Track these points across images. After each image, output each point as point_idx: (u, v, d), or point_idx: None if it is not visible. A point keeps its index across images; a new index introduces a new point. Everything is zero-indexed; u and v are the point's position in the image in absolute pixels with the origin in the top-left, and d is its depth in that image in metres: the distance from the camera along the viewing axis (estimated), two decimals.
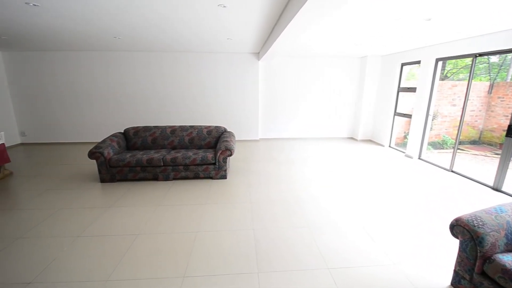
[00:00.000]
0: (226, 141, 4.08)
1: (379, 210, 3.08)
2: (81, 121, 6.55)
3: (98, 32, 4.12)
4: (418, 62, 5.27)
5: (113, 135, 4.33)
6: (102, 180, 3.90)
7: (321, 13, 2.32)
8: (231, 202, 3.29)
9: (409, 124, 5.55)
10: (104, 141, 4.07)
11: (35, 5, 2.77)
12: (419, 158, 5.28)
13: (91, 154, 3.78)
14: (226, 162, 4.00)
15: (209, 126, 4.68)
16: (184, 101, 6.61)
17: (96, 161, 3.83)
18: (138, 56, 6.25)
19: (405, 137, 6.56)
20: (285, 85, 6.85)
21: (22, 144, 6.55)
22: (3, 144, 4.09)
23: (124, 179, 3.95)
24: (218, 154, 3.93)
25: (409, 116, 5.63)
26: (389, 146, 6.34)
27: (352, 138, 7.25)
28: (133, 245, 2.40)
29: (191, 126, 4.66)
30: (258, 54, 6.33)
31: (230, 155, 3.94)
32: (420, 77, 5.15)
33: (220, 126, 4.71)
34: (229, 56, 6.39)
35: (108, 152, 3.88)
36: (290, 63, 6.69)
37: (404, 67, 5.90)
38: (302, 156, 5.39)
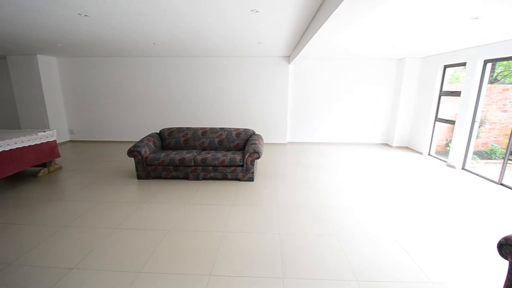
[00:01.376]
0: (254, 143, 4.12)
1: (415, 223, 2.87)
2: (122, 121, 7.08)
3: (140, 39, 4.43)
4: (464, 64, 4.84)
5: (150, 135, 4.61)
6: (139, 177, 4.17)
7: (356, 15, 2.25)
8: (258, 204, 3.30)
9: (452, 131, 5.11)
10: (141, 140, 4.35)
11: (86, 15, 3.06)
12: (462, 169, 4.83)
13: (130, 152, 4.06)
14: (253, 164, 4.04)
15: (238, 129, 4.76)
16: (214, 104, 6.81)
17: (134, 159, 4.10)
18: (173, 61, 6.60)
19: (447, 145, 6.05)
20: (315, 88, 6.73)
21: (70, 141, 7.26)
22: (54, 140, 4.57)
23: (158, 177, 4.17)
24: (246, 157, 3.98)
25: (452, 122, 5.19)
26: (429, 154, 5.90)
27: (386, 144, 6.87)
28: (164, 240, 2.52)
29: (221, 128, 4.79)
30: (289, 57, 6.31)
31: (258, 157, 3.97)
32: (465, 80, 4.73)
33: (248, 129, 4.77)
34: (259, 59, 6.46)
35: (145, 151, 4.13)
36: (321, 66, 6.57)
37: (447, 69, 5.47)
38: (332, 162, 5.23)
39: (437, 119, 5.73)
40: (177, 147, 4.70)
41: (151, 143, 4.40)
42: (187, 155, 4.13)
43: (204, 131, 4.74)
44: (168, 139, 4.73)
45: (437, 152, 5.95)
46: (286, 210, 3.14)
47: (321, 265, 2.18)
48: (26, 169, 4.46)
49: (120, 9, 2.86)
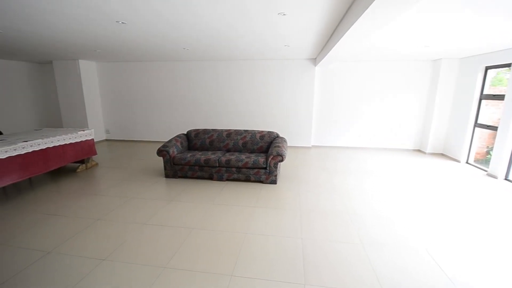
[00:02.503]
0: (278, 146, 4.11)
1: (450, 235, 2.67)
2: (152, 122, 7.45)
3: (171, 44, 4.64)
4: (508, 65, 4.43)
5: (178, 136, 4.79)
6: (166, 176, 4.35)
7: (389, 14, 2.17)
8: (280, 208, 3.28)
9: (494, 138, 4.68)
10: (170, 141, 4.53)
11: (123, 23, 3.28)
12: (505, 179, 4.40)
13: (159, 152, 4.25)
14: (277, 167, 4.03)
15: (262, 131, 4.78)
16: (239, 106, 6.91)
17: (163, 158, 4.29)
18: (201, 65, 6.82)
19: (488, 152, 5.56)
20: (343, 91, 6.55)
21: (106, 140, 7.78)
22: (92, 139, 4.92)
23: (184, 176, 4.32)
24: (270, 159, 3.98)
25: (494, 128, 4.76)
26: (467, 162, 5.46)
27: (419, 151, 6.48)
28: (188, 237, 2.60)
29: (245, 131, 4.84)
30: (315, 59, 6.23)
31: (281, 160, 3.95)
32: (510, 82, 4.32)
33: (272, 132, 4.77)
34: (284, 62, 6.45)
35: (173, 151, 4.30)
36: (350, 68, 6.38)
37: (488, 71, 5.04)
38: (360, 167, 5.04)
39: (476, 124, 5.29)
40: (203, 148, 4.83)
41: (178, 144, 4.58)
42: (212, 156, 4.23)
43: (229, 133, 4.83)
44: (194, 140, 4.88)
45: (476, 160, 5.49)
46: (310, 215, 3.09)
47: (345, 273, 2.11)
48: (66, 165, 4.86)
49: (153, 17, 3.03)
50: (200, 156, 4.23)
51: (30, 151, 3.67)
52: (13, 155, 3.44)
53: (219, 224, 2.88)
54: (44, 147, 3.90)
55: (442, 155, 6.11)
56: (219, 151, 4.58)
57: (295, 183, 4.16)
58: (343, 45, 3.47)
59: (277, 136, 4.75)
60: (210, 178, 4.26)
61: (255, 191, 3.81)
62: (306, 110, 6.64)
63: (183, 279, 2.03)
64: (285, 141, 4.51)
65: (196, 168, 4.21)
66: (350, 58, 5.92)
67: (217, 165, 4.12)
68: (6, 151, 3.34)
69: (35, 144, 3.76)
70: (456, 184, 4.19)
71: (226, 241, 2.54)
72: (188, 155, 4.30)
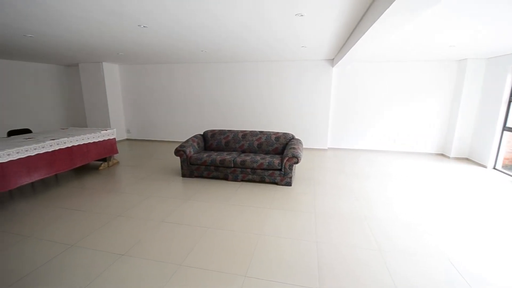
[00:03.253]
0: (294, 148, 4.08)
1: (475, 245, 2.53)
2: (170, 122, 7.65)
3: (189, 47, 4.75)
4: None
5: (194, 136, 4.88)
6: (183, 175, 4.44)
7: (413, 11, 2.10)
8: (295, 210, 3.25)
9: None
10: (187, 141, 4.63)
11: (144, 26, 3.40)
12: None
13: (176, 152, 4.35)
14: (292, 169, 3.99)
15: (277, 133, 4.76)
16: (254, 107, 6.93)
17: (180, 158, 4.39)
18: (217, 67, 6.92)
19: None
20: (362, 92, 6.40)
21: (127, 139, 8.07)
22: (114, 138, 5.12)
23: (200, 176, 4.39)
24: (285, 161, 3.95)
25: None
26: (494, 168, 5.15)
27: (442, 155, 6.20)
28: (203, 236, 2.64)
29: (261, 132, 4.84)
30: (333, 60, 6.13)
31: (297, 162, 3.91)
32: None
33: (288, 133, 4.74)
34: (301, 63, 6.40)
35: (190, 151, 4.39)
36: (369, 69, 6.23)
37: None
38: (380, 171, 4.89)
39: (505, 128, 4.98)
40: (219, 149, 4.89)
41: (195, 144, 4.66)
42: (227, 156, 4.27)
43: (244, 134, 4.85)
44: (210, 140, 4.95)
45: (505, 166, 5.16)
46: (326, 219, 3.03)
47: (361, 280, 2.05)
48: (89, 163, 5.09)
49: (172, 21, 3.11)
50: (216, 156, 4.29)
51: (57, 149, 3.88)
52: (41, 152, 3.65)
53: (234, 224, 2.89)
54: (69, 145, 4.11)
55: (467, 159, 5.80)
56: (234, 152, 4.61)
57: (310, 185, 4.11)
58: (362, 45, 3.39)
59: (293, 137, 4.71)
60: (225, 178, 4.30)
61: (270, 192, 3.80)
62: (323, 111, 6.54)
63: (198, 277, 2.06)
64: (300, 142, 4.47)
65: (211, 168, 4.27)
66: (370, 59, 5.78)
67: (232, 165, 4.15)
68: (35, 149, 3.56)
69: (61, 142, 3.97)
70: (482, 190, 3.97)
71: (241, 242, 2.55)
72: (204, 155, 4.37)
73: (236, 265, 2.21)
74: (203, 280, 2.03)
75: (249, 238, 2.62)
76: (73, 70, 7.80)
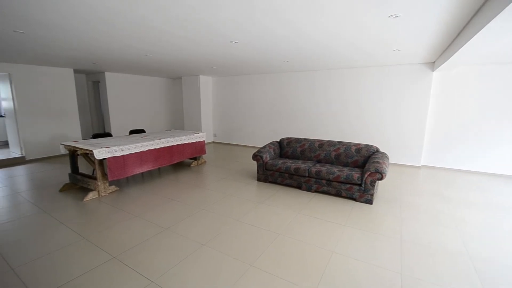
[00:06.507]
0: (378, 162, 3.68)
1: None
2: (251, 128, 8.18)
3: (273, 58, 4.98)
4: None
5: (271, 143, 5.06)
6: (258, 179, 4.65)
7: None
8: (375, 232, 2.92)
9: None
10: (264, 147, 4.84)
11: (235, 42, 3.76)
12: None
13: (254, 156, 4.60)
14: (374, 185, 3.61)
15: (359, 144, 4.40)
16: (333, 116, 6.62)
17: (257, 162, 4.62)
18: (297, 76, 6.97)
19: None
20: (472, 101, 5.24)
21: (213, 142, 9.06)
22: (203, 140, 5.84)
23: (274, 181, 4.50)
24: (366, 176, 3.61)
25: None
26: None
27: None
28: (274, 242, 2.68)
29: (339, 142, 4.59)
30: (433, 63, 5.27)
31: (381, 178, 3.52)
32: None
33: (371, 145, 4.32)
34: (391, 68, 5.75)
35: (266, 156, 4.57)
36: (485, 72, 5.05)
37: None
38: (493, 201, 3.87)
39: None
40: (294, 157, 4.89)
41: (271, 150, 4.81)
42: (302, 165, 4.23)
43: (321, 144, 4.70)
44: (286, 148, 5.02)
45: None
46: (414, 248, 2.60)
47: None
48: (184, 160, 5.94)
49: (260, 36, 3.33)
50: (291, 164, 4.30)
51: (161, 147, 4.72)
52: (151, 149, 4.50)
53: (305, 235, 2.83)
54: (171, 144, 4.92)
55: None
56: (309, 161, 4.52)
57: (396, 207, 3.61)
58: (479, 42, 2.79)
59: (377, 150, 4.27)
60: (299, 187, 4.25)
61: (346, 208, 3.54)
62: (417, 122, 5.67)
63: (266, 282, 2.11)
64: (386, 156, 4.00)
65: (285, 175, 4.31)
66: (487, 59, 4.68)
67: (307, 175, 4.08)
68: (146, 146, 4.42)
69: (165, 141, 4.80)
70: None
71: (311, 255, 2.47)
72: (279, 162, 4.45)
73: (305, 279, 2.15)
74: (270, 286, 2.06)
75: (320, 252, 2.51)
76: (177, 82, 9.37)
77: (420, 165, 5.80)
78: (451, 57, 3.68)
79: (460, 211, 3.46)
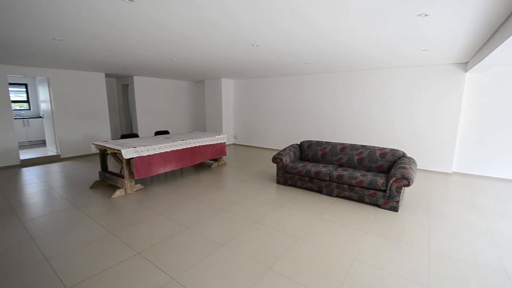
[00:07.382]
0: (404, 168, 3.52)
1: None
2: (271, 131, 8.18)
3: (294, 60, 4.96)
4: None
5: (291, 146, 5.01)
6: (278, 182, 4.62)
7: None
8: (400, 241, 2.78)
9: None
10: (284, 149, 4.81)
11: (257, 45, 3.80)
12: None
13: (274, 159, 4.59)
14: (400, 192, 3.45)
15: (384, 148, 4.23)
16: (356, 119, 6.43)
17: (277, 165, 4.60)
18: (317, 78, 6.86)
19: None
20: (508, 104, 4.84)
21: (234, 144, 9.16)
22: (224, 142, 5.92)
23: (294, 185, 4.45)
24: (391, 181, 3.46)
25: None
26: None
27: None
28: (293, 246, 2.65)
29: (363, 146, 4.44)
30: (466, 64, 4.95)
31: (407, 185, 3.35)
32: None
33: (397, 150, 4.13)
34: (419, 69, 5.47)
35: (286, 159, 4.53)
36: None
37: None
38: None
39: None
40: (314, 160, 4.81)
41: (292, 153, 4.77)
42: (323, 169, 4.14)
43: (343, 147, 4.58)
44: (307, 151, 4.95)
45: None
46: (443, 261, 2.44)
47: None
48: (205, 161, 6.06)
49: (283, 37, 3.33)
50: (311, 167, 4.23)
51: (184, 147, 4.85)
52: (174, 149, 4.65)
53: (325, 241, 2.76)
54: (193, 145, 5.05)
55: None
56: (330, 165, 4.42)
57: (424, 215, 3.41)
58: None
59: (403, 155, 4.07)
60: (319, 191, 4.17)
61: (369, 214, 3.41)
62: (449, 126, 5.34)
63: (284, 287, 2.08)
64: (413, 162, 3.81)
65: (306, 178, 4.24)
66: None
67: (328, 179, 3.99)
68: (170, 146, 4.57)
69: (188, 143, 4.93)
70: None
71: (331, 261, 2.41)
72: (300, 165, 4.40)
73: (325, 285, 2.10)
74: None
75: (341, 260, 2.43)
76: (199, 85, 9.62)
77: (451, 172, 5.44)
78: (486, 58, 3.44)
79: (495, 223, 3.20)
